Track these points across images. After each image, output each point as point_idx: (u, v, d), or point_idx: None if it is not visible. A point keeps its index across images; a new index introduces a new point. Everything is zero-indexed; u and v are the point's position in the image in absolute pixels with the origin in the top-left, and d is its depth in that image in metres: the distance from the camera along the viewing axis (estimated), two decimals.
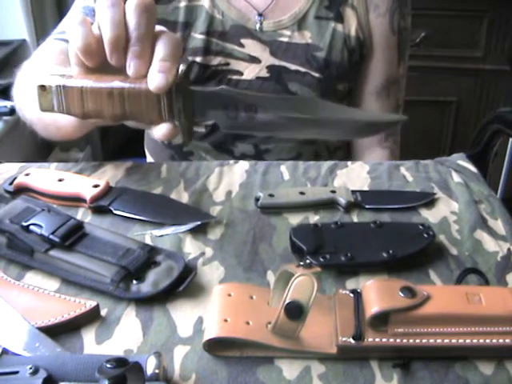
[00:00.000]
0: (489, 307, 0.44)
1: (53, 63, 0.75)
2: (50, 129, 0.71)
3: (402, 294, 0.44)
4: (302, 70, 0.86)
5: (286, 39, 0.86)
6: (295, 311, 0.43)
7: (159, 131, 0.51)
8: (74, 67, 0.53)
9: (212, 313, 0.46)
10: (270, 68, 0.86)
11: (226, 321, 0.45)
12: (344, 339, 0.44)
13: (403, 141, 1.01)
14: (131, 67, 0.49)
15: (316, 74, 0.86)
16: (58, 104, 0.52)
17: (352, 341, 0.44)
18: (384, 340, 0.44)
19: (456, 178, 0.71)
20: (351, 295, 0.47)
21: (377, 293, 0.45)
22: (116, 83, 0.50)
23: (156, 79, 0.48)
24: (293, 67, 0.86)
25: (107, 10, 0.49)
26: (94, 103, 0.51)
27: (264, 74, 0.86)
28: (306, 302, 0.42)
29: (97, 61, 0.51)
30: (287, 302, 0.42)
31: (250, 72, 0.86)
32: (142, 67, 0.49)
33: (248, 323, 0.45)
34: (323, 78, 0.86)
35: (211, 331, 0.44)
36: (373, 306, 0.44)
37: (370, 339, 0.44)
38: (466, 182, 0.69)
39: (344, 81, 0.89)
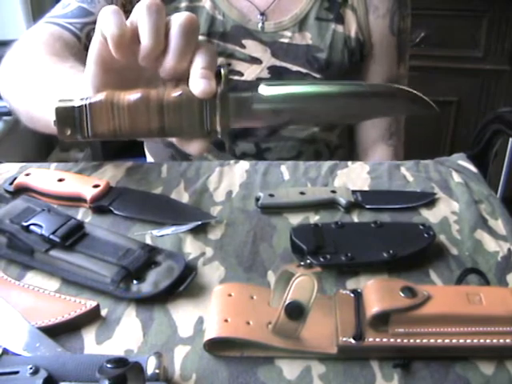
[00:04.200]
0: (489, 307, 0.44)
1: (49, 52, 0.73)
2: (38, 124, 0.69)
3: (402, 294, 0.44)
4: (303, 70, 0.86)
5: (286, 40, 0.86)
6: (296, 311, 0.43)
7: (194, 146, 0.49)
8: (91, 65, 0.50)
9: (212, 313, 0.46)
10: (271, 69, 0.86)
11: (226, 321, 0.45)
12: (344, 339, 0.44)
13: (403, 140, 1.01)
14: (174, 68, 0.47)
15: (317, 75, 0.86)
16: (81, 128, 0.47)
17: (352, 341, 0.44)
18: (384, 340, 0.44)
19: (456, 178, 0.71)
20: (352, 295, 0.47)
21: (377, 293, 0.45)
22: (153, 93, 0.47)
23: (201, 84, 0.46)
24: (294, 68, 0.86)
25: (150, 16, 0.47)
26: (127, 119, 0.46)
27: (265, 74, 0.86)
28: (306, 302, 0.42)
29: (125, 55, 0.47)
30: (287, 302, 0.42)
31: (250, 73, 0.86)
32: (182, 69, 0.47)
33: (248, 323, 0.45)
34: (324, 79, 0.86)
35: (212, 331, 0.44)
36: (373, 306, 0.44)
37: (371, 339, 0.44)
38: (466, 182, 0.69)
39: (343, 78, 0.89)
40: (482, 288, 0.48)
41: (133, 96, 0.47)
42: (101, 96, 0.47)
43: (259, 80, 0.86)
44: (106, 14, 0.48)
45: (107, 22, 0.47)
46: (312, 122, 0.55)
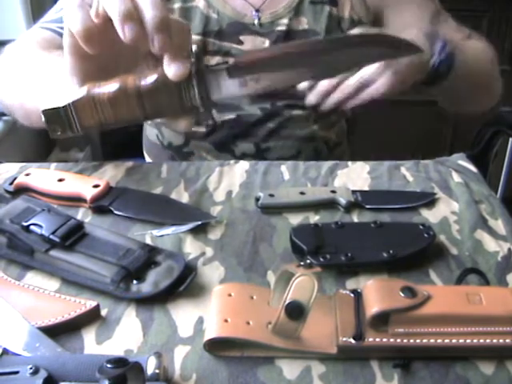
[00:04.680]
0: (489, 307, 0.44)
1: (41, 49, 0.74)
2: (33, 117, 0.68)
3: (402, 294, 0.44)
4: None
5: (284, 28, 0.86)
6: (295, 311, 0.43)
7: (181, 123, 0.50)
8: (67, 57, 0.50)
9: (212, 313, 0.46)
10: None
11: (226, 321, 0.45)
12: (344, 339, 0.44)
13: (403, 141, 1.01)
14: (155, 40, 0.46)
15: None
16: (70, 125, 0.49)
17: (352, 341, 0.44)
18: (384, 340, 0.44)
19: (456, 178, 0.71)
20: (351, 295, 0.47)
21: (377, 293, 0.45)
22: (130, 82, 0.48)
23: (173, 68, 0.46)
24: None
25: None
26: (110, 110, 0.48)
27: None
28: (306, 302, 0.42)
29: (96, 46, 0.48)
30: (287, 302, 0.42)
31: None
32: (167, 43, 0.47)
33: (248, 323, 0.45)
34: None
35: (212, 331, 0.44)
36: (373, 306, 0.44)
37: (371, 339, 0.44)
38: (466, 182, 0.69)
39: None
40: (482, 288, 0.48)
41: (111, 88, 0.48)
42: (82, 92, 0.49)
43: None
44: (70, 10, 0.47)
45: (72, 18, 0.47)
46: (292, 83, 0.55)
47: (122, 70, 0.50)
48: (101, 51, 0.49)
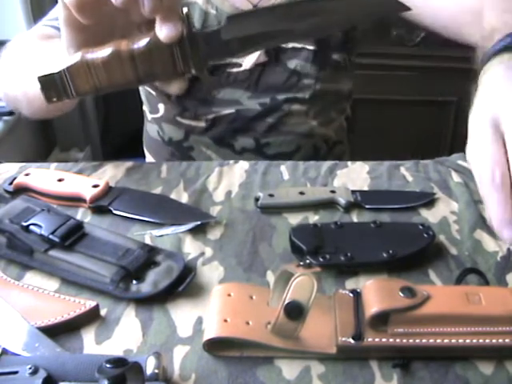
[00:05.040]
0: (489, 307, 0.44)
1: (38, 40, 0.74)
2: (36, 103, 0.69)
3: (401, 294, 0.44)
4: (298, 45, 0.86)
5: None
6: (295, 311, 0.43)
7: (174, 86, 0.50)
8: (63, 29, 0.51)
9: (212, 313, 0.46)
10: (268, 51, 0.86)
11: (225, 321, 0.45)
12: (344, 339, 0.44)
13: (403, 141, 1.01)
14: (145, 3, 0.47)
15: (311, 47, 0.86)
16: (65, 90, 0.51)
17: (352, 341, 0.44)
18: (384, 340, 0.44)
19: (456, 177, 0.71)
20: (351, 295, 0.47)
21: (376, 293, 0.45)
22: (123, 46, 0.49)
23: (164, 29, 0.47)
24: (289, 45, 0.86)
25: None
26: (104, 74, 0.49)
27: (263, 58, 0.86)
28: (305, 302, 0.42)
29: (89, 16, 0.49)
30: (287, 301, 0.42)
31: (248, 61, 0.86)
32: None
33: (248, 323, 0.45)
34: (318, 50, 0.86)
35: (211, 331, 0.44)
36: (372, 306, 0.44)
37: (370, 339, 0.44)
38: (465, 182, 0.69)
39: (339, 51, 0.89)
40: (482, 288, 0.48)
41: (105, 52, 0.49)
42: (76, 58, 0.50)
43: (258, 66, 0.86)
44: None
45: None
46: (285, 41, 0.56)
47: (118, 38, 0.51)
48: (95, 21, 0.50)
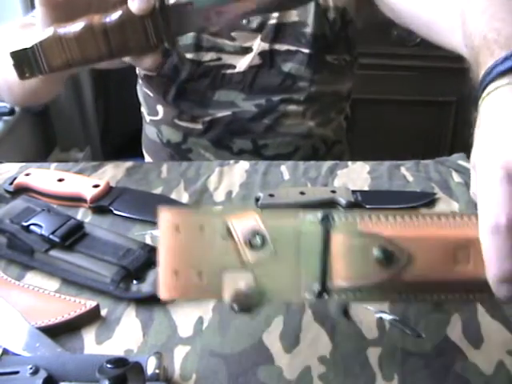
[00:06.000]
0: (476, 268, 0.37)
1: (17, 28, 0.74)
2: (15, 89, 0.68)
3: (377, 264, 0.37)
4: (292, 48, 0.86)
5: (274, 21, 0.86)
6: (256, 240, 0.37)
7: (146, 61, 0.50)
8: (38, 8, 0.51)
9: (161, 257, 0.40)
10: (262, 54, 0.86)
11: (176, 273, 0.38)
12: (308, 296, 0.38)
13: (403, 140, 1.01)
14: None
15: (306, 50, 0.86)
16: (38, 66, 0.50)
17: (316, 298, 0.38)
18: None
19: (456, 178, 0.71)
20: (320, 228, 0.38)
21: (346, 257, 0.38)
22: (96, 19, 0.49)
23: (138, 1, 0.47)
24: (283, 48, 0.86)
25: None
26: (76, 49, 0.49)
27: (257, 61, 0.86)
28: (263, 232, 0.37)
29: None
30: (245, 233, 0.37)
31: (242, 63, 0.86)
32: None
33: (200, 274, 0.38)
34: (313, 53, 0.86)
35: (162, 289, 0.39)
36: (340, 276, 0.37)
37: (337, 297, 0.38)
38: (466, 182, 0.69)
39: (334, 53, 0.89)
40: (474, 240, 0.37)
41: (77, 26, 0.49)
42: (48, 32, 0.50)
43: (252, 68, 0.86)
44: None
45: None
46: (263, 11, 0.55)
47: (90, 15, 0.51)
48: (66, 9, 0.50)
